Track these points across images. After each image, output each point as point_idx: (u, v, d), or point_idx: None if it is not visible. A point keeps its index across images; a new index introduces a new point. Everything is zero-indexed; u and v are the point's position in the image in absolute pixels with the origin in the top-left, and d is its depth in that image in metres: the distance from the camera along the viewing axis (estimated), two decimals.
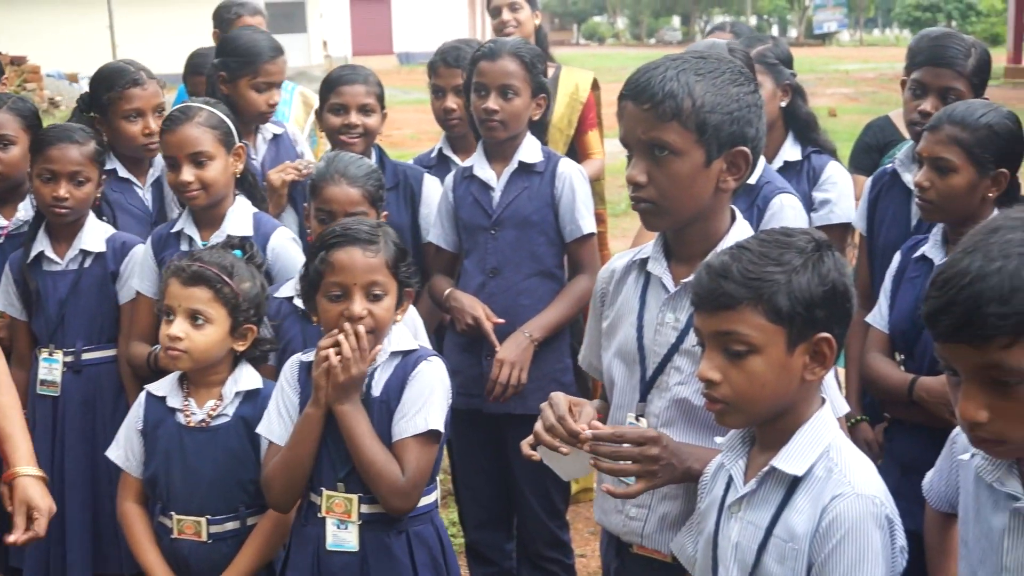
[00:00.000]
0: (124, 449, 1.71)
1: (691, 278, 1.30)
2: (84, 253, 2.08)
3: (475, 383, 2.06)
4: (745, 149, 1.38)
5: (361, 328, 1.50)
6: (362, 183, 1.86)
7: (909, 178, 1.98)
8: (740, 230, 1.46)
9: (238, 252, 1.74)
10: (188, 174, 1.91)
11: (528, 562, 2.22)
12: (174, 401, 1.67)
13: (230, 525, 1.65)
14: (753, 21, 32.32)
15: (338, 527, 1.56)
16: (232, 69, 2.36)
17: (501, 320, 2.04)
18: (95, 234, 2.09)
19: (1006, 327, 1.00)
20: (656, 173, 1.36)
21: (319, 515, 1.58)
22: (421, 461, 1.58)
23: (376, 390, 1.59)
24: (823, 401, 1.32)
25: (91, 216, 2.11)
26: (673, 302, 1.44)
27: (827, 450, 1.27)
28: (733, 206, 1.49)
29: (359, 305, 1.54)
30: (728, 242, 1.38)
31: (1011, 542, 1.17)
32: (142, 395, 1.75)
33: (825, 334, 1.19)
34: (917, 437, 1.79)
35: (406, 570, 1.57)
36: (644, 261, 1.50)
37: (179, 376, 1.69)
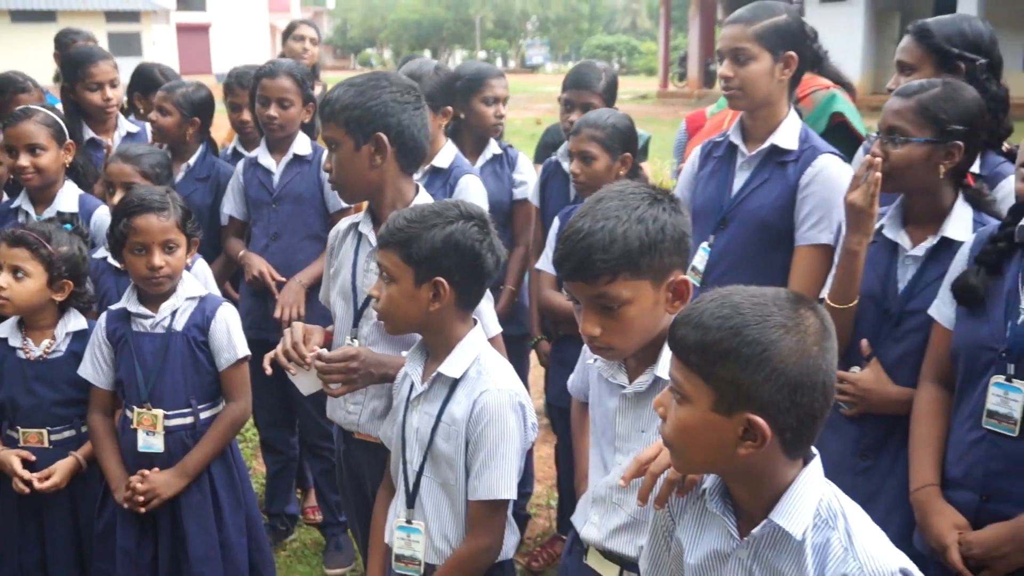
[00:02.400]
0: None
1: (383, 230, 1.61)
2: None
3: (264, 320, 2.60)
4: (381, 135, 1.73)
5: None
6: (135, 162, 2.31)
7: (567, 166, 2.49)
8: (422, 198, 1.84)
9: (67, 225, 2.12)
10: (24, 160, 2.34)
11: (307, 450, 2.90)
12: (15, 341, 2.06)
13: (67, 433, 2.08)
14: (483, 54, 39.95)
15: (147, 435, 2.00)
16: (68, 77, 2.89)
17: (282, 278, 2.59)
18: None
19: (607, 268, 1.32)
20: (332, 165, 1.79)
21: (132, 427, 2.00)
22: (241, 380, 2.10)
23: (178, 326, 2.02)
24: (475, 323, 1.66)
25: None
26: (375, 253, 1.74)
27: (477, 358, 1.62)
28: (418, 183, 1.91)
29: (158, 258, 1.93)
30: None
31: (620, 417, 1.49)
32: None
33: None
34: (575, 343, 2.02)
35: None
36: (357, 224, 1.91)
37: (17, 320, 2.08)
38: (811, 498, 1.09)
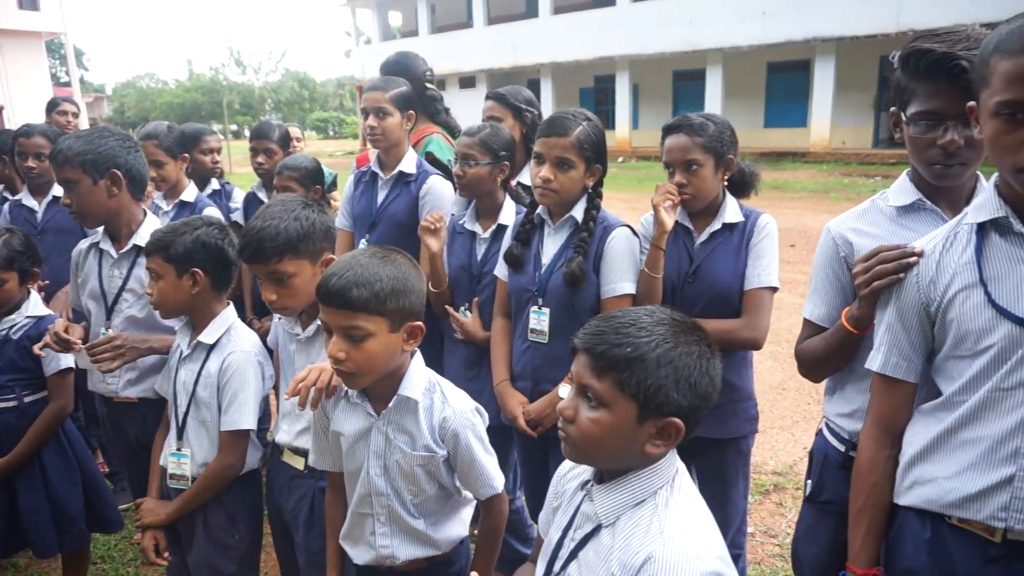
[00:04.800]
0: None
1: (148, 242, 1.97)
2: None
3: None
4: (116, 171, 2.15)
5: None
6: None
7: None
8: (150, 222, 2.32)
9: None
10: None
11: (88, 419, 3.45)
12: None
13: (11, 403, 2.45)
14: (234, 127, 45.22)
15: None
16: None
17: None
18: None
19: (275, 251, 1.77)
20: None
21: None
22: (61, 384, 2.46)
23: (15, 335, 2.44)
24: (228, 303, 2.10)
25: None
26: (118, 262, 2.28)
27: (228, 329, 2.03)
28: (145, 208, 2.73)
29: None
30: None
31: (297, 357, 1.94)
32: None
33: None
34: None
35: None
36: (97, 242, 2.34)
37: None
38: (421, 377, 1.61)
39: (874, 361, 1.46)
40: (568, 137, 2.16)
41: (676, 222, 2.27)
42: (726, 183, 2.28)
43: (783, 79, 22.39)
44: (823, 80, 19.71)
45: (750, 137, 23.07)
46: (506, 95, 3.01)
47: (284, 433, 2.01)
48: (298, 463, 1.98)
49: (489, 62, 27.68)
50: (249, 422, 2.02)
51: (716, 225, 2.24)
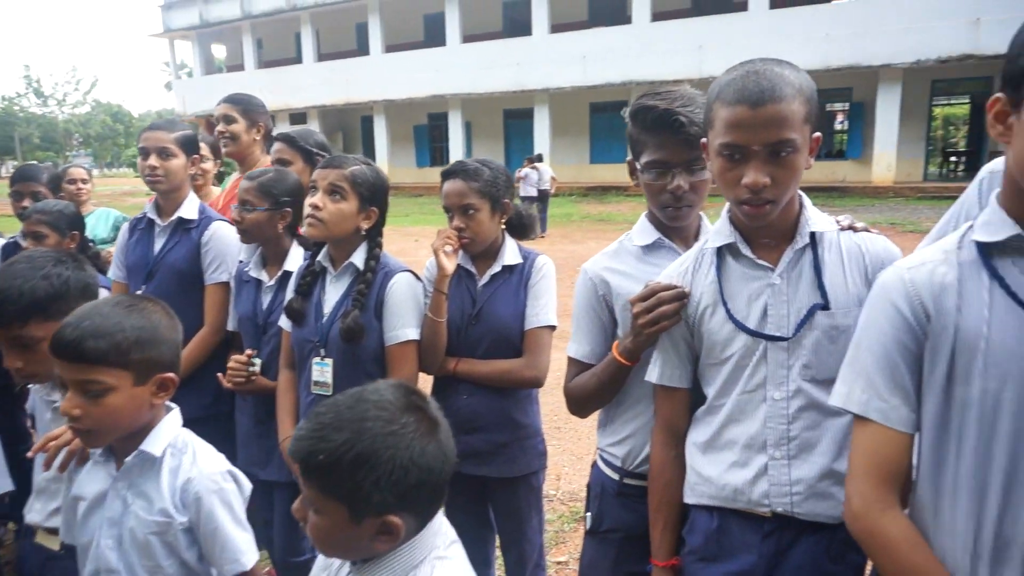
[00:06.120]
0: None
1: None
2: None
3: None
4: None
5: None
6: None
7: None
8: None
9: None
10: None
11: None
12: None
13: None
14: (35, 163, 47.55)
15: None
16: None
17: None
18: None
19: (17, 314, 1.66)
20: None
21: None
22: None
23: None
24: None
25: None
26: None
27: None
28: None
29: None
30: None
31: (53, 424, 2.20)
32: None
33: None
34: None
35: None
36: None
37: None
38: (169, 433, 1.52)
39: (652, 374, 1.61)
40: (342, 169, 2.16)
41: (459, 265, 2.30)
42: (504, 226, 2.34)
43: (604, 119, 23.88)
44: None
45: (577, 172, 24.35)
46: (296, 137, 2.93)
47: (37, 513, 1.85)
48: (54, 544, 1.82)
49: (321, 98, 27.27)
50: None
51: (496, 267, 2.29)
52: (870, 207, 16.73)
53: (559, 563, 3.33)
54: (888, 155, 19.39)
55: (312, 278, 2.28)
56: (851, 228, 1.48)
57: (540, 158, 17.16)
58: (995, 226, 1.10)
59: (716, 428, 1.50)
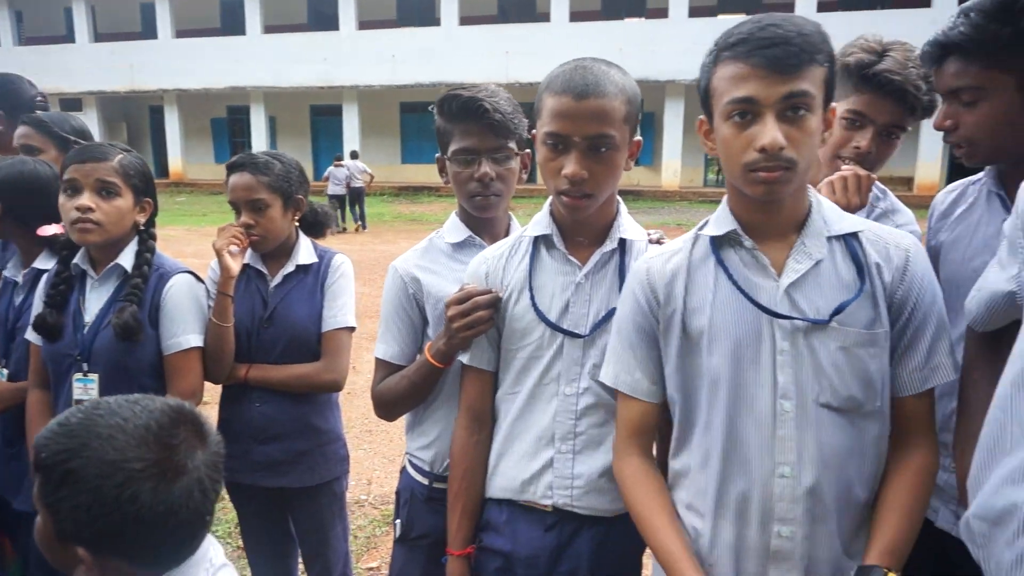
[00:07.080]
0: None
1: None
2: None
3: None
4: None
5: None
6: None
7: None
8: None
9: None
10: None
11: None
12: None
13: None
14: None
15: None
16: None
17: None
18: None
19: None
20: None
21: None
22: None
23: None
24: None
25: None
26: None
27: None
28: None
29: None
30: None
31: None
32: None
33: None
34: None
35: None
36: None
37: None
38: None
39: (463, 356, 1.59)
40: (109, 162, 1.93)
41: (247, 265, 2.16)
42: (297, 223, 2.22)
43: (415, 119, 23.86)
44: None
45: (389, 172, 24.12)
46: (48, 122, 2.55)
47: None
48: None
49: (100, 83, 24.58)
50: None
51: (290, 267, 2.18)
52: (660, 209, 18.27)
53: (371, 569, 3.26)
54: (674, 163, 21.28)
55: (66, 285, 2.00)
56: (658, 242, 1.56)
57: (355, 155, 16.78)
58: (721, 222, 1.30)
59: (512, 418, 1.52)
